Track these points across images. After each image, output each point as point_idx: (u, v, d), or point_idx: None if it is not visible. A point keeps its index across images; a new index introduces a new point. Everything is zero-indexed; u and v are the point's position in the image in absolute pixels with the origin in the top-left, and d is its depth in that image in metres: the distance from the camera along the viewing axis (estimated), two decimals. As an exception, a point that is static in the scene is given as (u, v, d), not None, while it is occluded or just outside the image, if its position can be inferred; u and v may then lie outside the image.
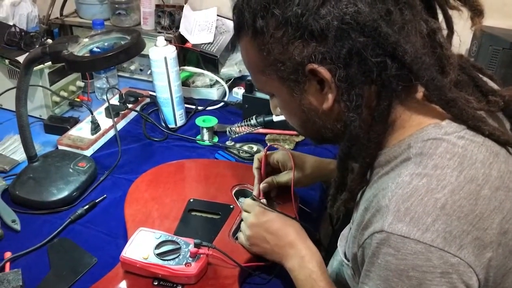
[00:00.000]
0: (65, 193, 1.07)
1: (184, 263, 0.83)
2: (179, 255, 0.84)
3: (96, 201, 1.08)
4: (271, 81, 0.69)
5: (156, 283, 0.83)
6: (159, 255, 0.84)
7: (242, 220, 0.93)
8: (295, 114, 0.72)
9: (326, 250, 1.06)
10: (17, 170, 1.14)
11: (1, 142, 1.24)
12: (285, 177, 1.00)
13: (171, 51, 1.27)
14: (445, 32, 0.69)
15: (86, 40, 0.93)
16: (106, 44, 0.98)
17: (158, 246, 0.86)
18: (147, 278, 0.84)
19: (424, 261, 0.56)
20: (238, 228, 0.94)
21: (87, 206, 1.06)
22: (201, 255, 0.84)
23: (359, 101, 0.63)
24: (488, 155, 0.62)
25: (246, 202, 0.96)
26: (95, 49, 1.17)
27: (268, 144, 1.21)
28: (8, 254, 0.93)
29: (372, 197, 0.65)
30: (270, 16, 0.63)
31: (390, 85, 0.63)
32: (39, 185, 1.07)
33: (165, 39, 1.29)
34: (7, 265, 0.92)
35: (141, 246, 0.85)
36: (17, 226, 1.00)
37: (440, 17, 0.71)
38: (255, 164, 1.02)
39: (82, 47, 0.92)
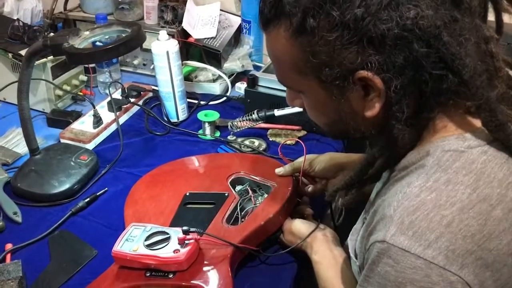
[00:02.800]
0: (66, 186, 1.07)
1: (172, 250, 0.83)
2: (168, 243, 0.84)
3: (97, 194, 1.09)
4: (306, 81, 0.64)
5: (148, 274, 0.84)
6: (148, 246, 0.84)
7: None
8: (327, 114, 0.68)
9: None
10: (20, 163, 1.15)
11: (4, 135, 1.25)
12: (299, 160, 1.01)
13: (173, 45, 1.27)
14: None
15: (87, 33, 0.94)
16: (107, 37, 0.98)
17: (148, 238, 0.86)
18: (139, 271, 0.84)
19: (422, 276, 0.55)
20: (232, 214, 0.95)
21: (88, 199, 1.06)
22: (190, 241, 0.84)
23: (409, 113, 0.60)
24: (509, 174, 0.59)
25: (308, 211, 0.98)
26: (98, 43, 1.17)
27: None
28: (9, 246, 0.94)
29: (381, 201, 0.64)
30: (325, 16, 0.57)
31: (439, 98, 0.60)
32: (41, 178, 1.07)
33: (168, 34, 1.29)
34: (8, 256, 0.93)
35: (132, 240, 0.86)
36: (19, 218, 1.01)
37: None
38: (287, 171, 1.02)
39: (83, 40, 0.93)
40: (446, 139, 0.62)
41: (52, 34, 1.40)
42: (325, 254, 0.85)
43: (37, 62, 1.25)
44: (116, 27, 0.95)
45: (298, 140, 1.17)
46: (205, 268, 0.84)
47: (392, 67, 0.58)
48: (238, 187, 1.03)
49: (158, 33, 1.28)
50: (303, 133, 1.29)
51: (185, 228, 0.85)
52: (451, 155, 0.60)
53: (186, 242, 0.84)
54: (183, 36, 1.49)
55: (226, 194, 1.00)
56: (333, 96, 0.63)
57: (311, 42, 0.60)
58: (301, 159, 1.01)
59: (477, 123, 0.62)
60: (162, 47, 1.26)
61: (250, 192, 1.00)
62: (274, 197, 0.97)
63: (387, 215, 0.59)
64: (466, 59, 0.57)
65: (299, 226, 0.91)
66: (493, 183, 0.58)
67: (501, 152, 0.61)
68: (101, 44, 1.21)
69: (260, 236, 0.91)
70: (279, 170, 1.02)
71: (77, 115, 1.33)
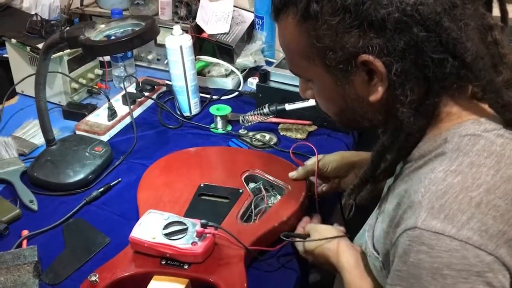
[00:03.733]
0: (81, 176, 1.10)
1: (190, 242, 0.85)
2: (186, 235, 0.86)
3: (111, 184, 1.11)
4: (313, 67, 0.66)
5: (163, 262, 0.85)
6: (166, 235, 0.86)
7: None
8: (335, 102, 0.70)
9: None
10: (36, 153, 1.18)
11: (21, 126, 1.28)
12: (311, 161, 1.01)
13: (187, 40, 1.29)
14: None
15: (103, 26, 0.96)
16: (122, 30, 1.00)
17: (166, 226, 0.88)
18: (155, 258, 0.86)
19: (459, 259, 0.55)
20: (245, 212, 0.96)
21: (102, 189, 1.09)
22: (207, 235, 0.85)
23: (413, 96, 0.61)
24: None
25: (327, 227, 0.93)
26: (112, 37, 1.20)
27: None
28: (25, 232, 0.97)
29: (404, 192, 0.64)
30: (327, 1, 0.60)
31: (444, 82, 0.61)
32: (56, 168, 1.10)
33: (182, 29, 1.31)
34: (24, 242, 0.95)
35: (150, 227, 0.88)
36: (35, 206, 1.04)
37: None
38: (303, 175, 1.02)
39: (99, 32, 0.95)
40: (462, 124, 0.63)
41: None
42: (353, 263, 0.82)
43: (53, 56, 1.29)
44: (131, 21, 0.97)
45: (307, 143, 1.19)
46: (220, 264, 0.85)
47: (393, 51, 0.59)
48: (252, 185, 1.04)
49: (172, 29, 1.30)
50: (313, 128, 1.31)
51: (203, 221, 0.86)
52: (470, 139, 0.61)
53: (204, 235, 0.86)
54: (196, 31, 1.51)
55: (240, 191, 1.01)
56: (339, 82, 0.65)
57: (315, 27, 0.62)
58: (312, 160, 1.02)
59: (489, 109, 0.63)
60: (176, 41, 1.28)
61: (264, 191, 1.02)
62: (288, 199, 0.98)
63: (415, 202, 0.59)
64: (468, 43, 0.58)
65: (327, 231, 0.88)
66: None
67: None
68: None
69: (270, 237, 0.92)
70: (292, 174, 1.03)
71: (92, 108, 1.36)
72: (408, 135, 0.65)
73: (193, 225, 0.88)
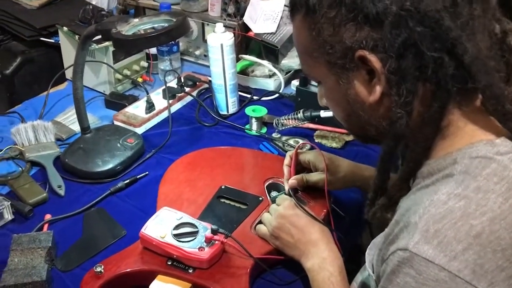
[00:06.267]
0: (109, 166, 1.12)
1: (198, 247, 0.83)
2: (195, 238, 0.85)
3: (138, 177, 1.12)
4: (318, 65, 0.66)
5: (169, 263, 0.84)
6: (176, 235, 0.85)
7: (268, 211, 0.92)
8: (340, 105, 0.69)
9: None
10: (72, 140, 1.21)
11: (64, 112, 1.33)
12: (316, 177, 0.97)
13: (228, 39, 1.28)
14: None
15: (136, 20, 0.97)
16: (156, 25, 1.00)
17: (177, 227, 0.87)
18: (162, 257, 0.85)
19: None
20: (261, 221, 0.93)
21: (127, 181, 1.10)
22: (216, 242, 0.84)
23: (409, 98, 0.59)
24: None
25: (280, 196, 0.95)
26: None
27: (301, 142, 1.18)
28: (48, 216, 1.00)
29: (405, 211, 0.61)
30: None
31: (445, 86, 0.57)
32: (87, 156, 1.13)
33: (227, 26, 1.30)
34: (46, 226, 0.98)
35: (161, 225, 0.87)
36: (62, 192, 1.07)
37: None
38: (286, 161, 1.00)
39: (132, 26, 0.96)
40: (474, 145, 0.59)
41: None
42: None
43: (99, 46, 1.32)
44: (164, 17, 0.97)
45: (309, 143, 1.14)
46: (225, 273, 0.83)
47: (391, 47, 0.57)
48: (274, 193, 1.01)
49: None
50: (351, 137, 1.25)
51: (214, 227, 0.85)
52: (480, 161, 0.57)
53: (213, 242, 0.84)
54: (243, 29, 1.49)
55: (260, 199, 0.99)
56: (340, 81, 0.64)
57: (315, 21, 0.62)
58: (318, 176, 0.97)
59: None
60: (217, 39, 1.27)
61: None
62: None
63: (412, 223, 0.56)
64: (468, 43, 0.55)
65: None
66: None
67: None
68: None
69: (281, 253, 0.88)
70: (291, 183, 0.97)
71: (133, 99, 1.38)
72: (415, 144, 0.62)
73: (204, 229, 0.86)
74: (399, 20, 0.56)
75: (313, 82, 1.29)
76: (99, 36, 1.01)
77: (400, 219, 0.60)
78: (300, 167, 1.01)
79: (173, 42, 1.44)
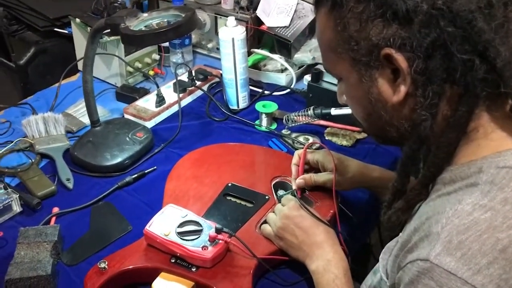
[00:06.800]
0: (117, 160, 1.12)
1: (201, 245, 0.83)
2: (199, 237, 0.84)
3: (145, 171, 1.12)
4: (341, 61, 0.64)
5: (173, 261, 0.84)
6: (180, 234, 0.85)
7: (273, 211, 0.92)
8: (361, 103, 0.67)
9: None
10: (82, 133, 1.22)
11: (75, 104, 1.33)
12: (324, 177, 0.96)
13: (240, 33, 1.26)
14: None
15: (145, 15, 0.96)
16: (165, 20, 0.99)
17: (182, 224, 0.87)
18: (166, 254, 0.85)
19: None
20: (266, 221, 0.92)
21: (135, 175, 1.10)
22: (220, 241, 0.83)
23: (435, 100, 0.57)
24: None
25: (285, 196, 0.94)
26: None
27: (310, 141, 1.16)
28: (55, 209, 1.01)
29: (425, 219, 0.59)
30: None
31: (474, 89, 0.55)
32: (95, 149, 1.13)
33: (240, 19, 1.28)
34: (53, 219, 0.99)
35: (166, 222, 0.87)
36: (70, 185, 1.07)
37: None
38: (294, 159, 0.99)
39: (140, 21, 0.95)
40: (502, 154, 0.56)
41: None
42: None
43: (110, 38, 1.32)
44: (173, 12, 0.96)
45: (318, 142, 1.12)
46: (228, 273, 0.83)
47: (419, 46, 0.56)
48: (280, 192, 1.00)
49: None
50: (363, 135, 1.23)
51: (218, 226, 0.84)
52: (507, 172, 0.55)
53: (216, 241, 0.84)
54: (256, 23, 1.48)
55: (266, 197, 0.98)
56: (363, 79, 0.63)
57: (341, 15, 0.61)
58: (326, 176, 0.96)
59: None
60: (229, 33, 1.26)
61: None
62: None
63: (433, 232, 0.54)
64: (502, 47, 0.53)
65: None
66: None
67: None
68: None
69: (286, 254, 0.88)
70: (299, 183, 0.96)
71: (144, 92, 1.38)
72: (437, 149, 0.60)
73: (208, 228, 0.86)
74: (430, 19, 0.55)
75: (325, 78, 1.27)
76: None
77: (420, 227, 0.58)
78: (308, 166, 1.00)
79: (184, 35, 1.43)
